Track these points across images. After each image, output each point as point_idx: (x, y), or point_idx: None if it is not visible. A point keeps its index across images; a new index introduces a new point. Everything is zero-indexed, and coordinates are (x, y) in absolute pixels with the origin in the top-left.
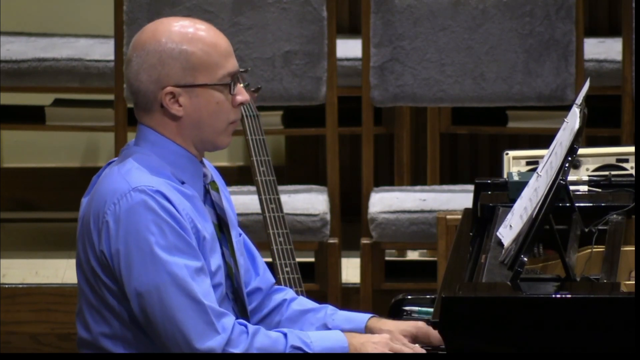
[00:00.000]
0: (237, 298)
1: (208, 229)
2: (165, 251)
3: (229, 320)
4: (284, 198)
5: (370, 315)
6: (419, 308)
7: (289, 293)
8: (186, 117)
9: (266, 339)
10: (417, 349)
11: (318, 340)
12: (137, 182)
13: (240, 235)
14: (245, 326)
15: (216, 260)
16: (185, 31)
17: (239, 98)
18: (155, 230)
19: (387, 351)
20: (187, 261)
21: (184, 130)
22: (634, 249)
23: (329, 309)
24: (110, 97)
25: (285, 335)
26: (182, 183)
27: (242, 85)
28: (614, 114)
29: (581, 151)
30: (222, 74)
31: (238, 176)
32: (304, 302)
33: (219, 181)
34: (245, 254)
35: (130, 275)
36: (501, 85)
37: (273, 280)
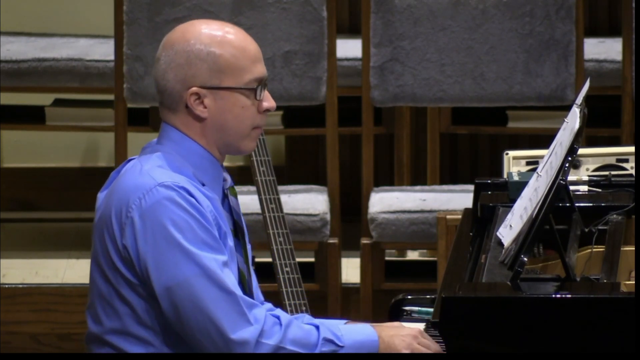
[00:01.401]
0: None
1: (227, 231)
2: (193, 245)
3: (261, 311)
4: (284, 198)
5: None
6: (419, 308)
7: (279, 312)
8: (210, 119)
9: (299, 330)
10: (439, 348)
11: (348, 333)
12: (162, 178)
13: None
14: (278, 318)
15: (233, 265)
16: (214, 34)
17: (265, 104)
18: (183, 225)
19: (414, 345)
20: (214, 255)
21: (208, 132)
22: (634, 249)
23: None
24: (110, 97)
25: (317, 327)
26: (203, 185)
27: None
28: (614, 114)
29: (581, 151)
30: (249, 78)
31: (238, 176)
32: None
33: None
34: None
35: (159, 270)
36: (501, 85)
37: (262, 298)
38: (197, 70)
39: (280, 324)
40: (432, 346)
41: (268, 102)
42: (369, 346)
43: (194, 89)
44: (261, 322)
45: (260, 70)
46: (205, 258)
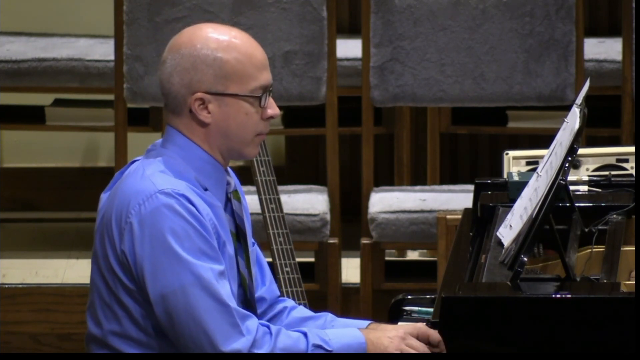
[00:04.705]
0: (248, 308)
1: (227, 238)
2: (190, 254)
3: (253, 322)
4: (284, 198)
5: (368, 322)
6: (419, 308)
7: (289, 302)
8: (214, 125)
9: (288, 339)
10: (428, 348)
11: (336, 337)
12: (162, 184)
13: (253, 244)
14: (268, 327)
15: (232, 269)
16: (222, 39)
17: (269, 112)
18: (181, 233)
19: (402, 345)
20: (211, 264)
21: (211, 138)
22: (634, 249)
23: (329, 316)
24: (110, 97)
25: (305, 334)
26: (205, 190)
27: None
28: (614, 114)
29: (581, 151)
30: (254, 85)
31: (238, 176)
32: (304, 311)
33: (240, 190)
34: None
35: (155, 277)
36: (501, 85)
37: (278, 292)
38: (203, 76)
39: (270, 333)
40: (420, 347)
41: (272, 109)
42: (357, 348)
43: (199, 94)
44: (253, 332)
45: (265, 77)
46: (202, 267)
